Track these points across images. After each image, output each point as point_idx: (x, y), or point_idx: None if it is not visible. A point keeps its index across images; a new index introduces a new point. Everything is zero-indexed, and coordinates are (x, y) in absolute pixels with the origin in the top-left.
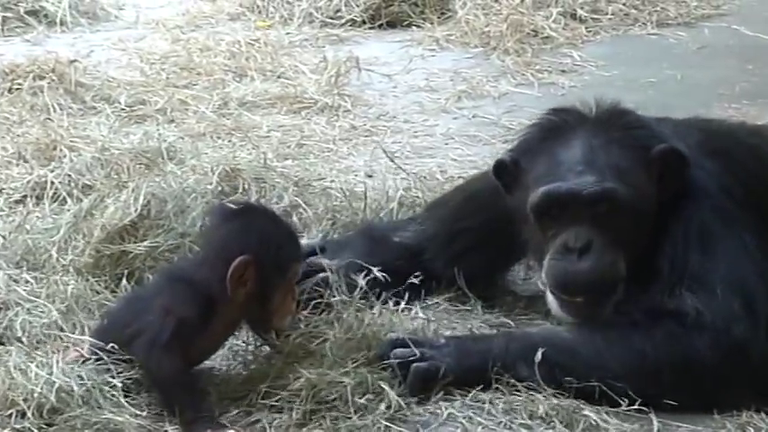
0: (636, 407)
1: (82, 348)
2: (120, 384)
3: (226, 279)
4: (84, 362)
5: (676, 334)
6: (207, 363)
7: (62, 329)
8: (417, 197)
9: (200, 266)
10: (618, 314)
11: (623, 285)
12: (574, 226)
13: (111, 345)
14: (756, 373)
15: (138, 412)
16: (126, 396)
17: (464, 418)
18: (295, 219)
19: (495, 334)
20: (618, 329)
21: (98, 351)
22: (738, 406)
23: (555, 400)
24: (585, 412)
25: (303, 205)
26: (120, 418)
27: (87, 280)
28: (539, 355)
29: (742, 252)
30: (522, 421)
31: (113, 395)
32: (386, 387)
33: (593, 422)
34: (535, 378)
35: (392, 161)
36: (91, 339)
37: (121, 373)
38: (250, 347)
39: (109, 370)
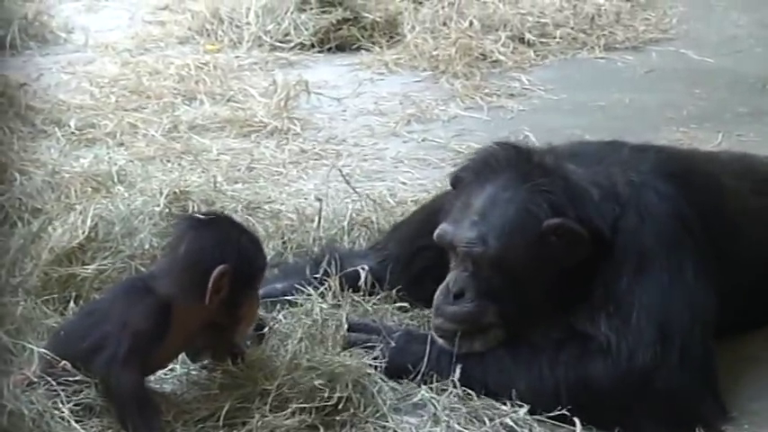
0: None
1: (29, 371)
2: (67, 411)
3: (198, 288)
4: (30, 384)
5: (578, 357)
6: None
7: (11, 352)
8: (370, 220)
9: (163, 277)
10: (536, 336)
11: (498, 330)
12: (457, 269)
13: (64, 363)
14: (663, 400)
15: None
16: (77, 420)
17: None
18: None
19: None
20: (527, 351)
21: (45, 375)
22: (642, 431)
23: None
24: (507, 420)
25: (255, 224)
26: None
27: (36, 303)
28: (457, 373)
29: (676, 279)
30: (454, 422)
31: (63, 418)
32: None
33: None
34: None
35: (348, 183)
36: (46, 352)
37: (70, 397)
38: (201, 372)
39: (58, 394)
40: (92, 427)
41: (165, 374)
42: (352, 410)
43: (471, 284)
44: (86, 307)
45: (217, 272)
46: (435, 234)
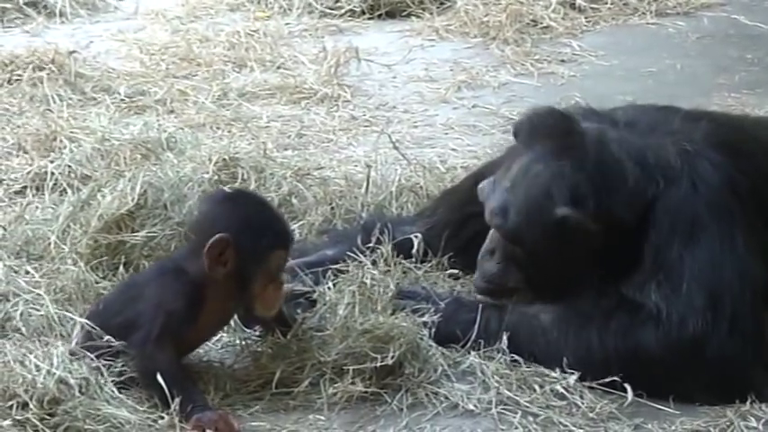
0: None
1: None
2: (114, 378)
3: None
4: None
5: (628, 326)
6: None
7: (60, 321)
8: (419, 186)
9: (189, 256)
10: (584, 305)
11: (525, 293)
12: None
13: (108, 338)
14: (714, 368)
15: (138, 406)
16: (124, 388)
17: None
18: (295, 202)
19: (488, 305)
20: (576, 320)
21: (86, 351)
22: (693, 399)
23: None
24: (558, 387)
25: (303, 191)
26: (121, 414)
27: (85, 270)
28: (505, 340)
29: (726, 248)
30: (504, 389)
31: (111, 388)
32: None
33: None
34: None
35: (397, 149)
36: (87, 323)
37: (112, 367)
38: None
39: (98, 367)
40: (135, 396)
41: (214, 345)
42: (405, 374)
43: (500, 246)
44: (125, 281)
45: (212, 240)
46: (478, 187)
